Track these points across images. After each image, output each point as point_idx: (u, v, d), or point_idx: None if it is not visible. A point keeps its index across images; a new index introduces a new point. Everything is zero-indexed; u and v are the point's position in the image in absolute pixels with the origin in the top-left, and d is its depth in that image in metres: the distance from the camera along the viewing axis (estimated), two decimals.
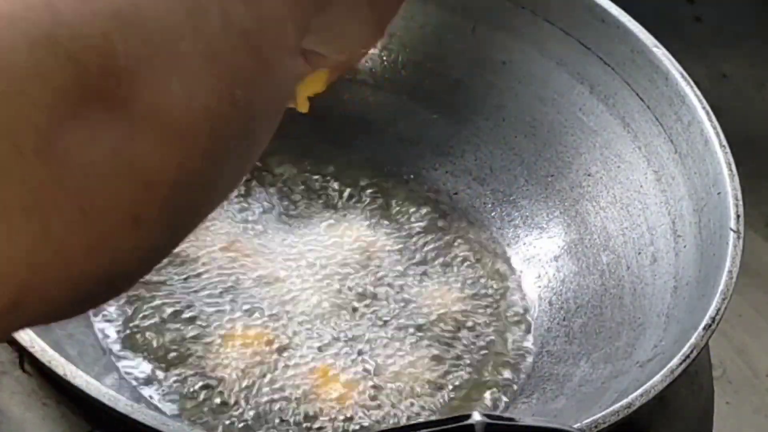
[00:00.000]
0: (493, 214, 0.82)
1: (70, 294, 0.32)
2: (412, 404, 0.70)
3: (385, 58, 0.84)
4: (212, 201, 0.37)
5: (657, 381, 0.60)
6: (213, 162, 0.35)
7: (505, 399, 0.72)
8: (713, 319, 0.63)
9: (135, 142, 0.32)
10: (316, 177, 0.81)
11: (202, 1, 0.34)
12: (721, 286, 0.65)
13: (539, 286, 0.78)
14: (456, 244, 0.79)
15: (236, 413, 0.67)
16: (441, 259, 0.78)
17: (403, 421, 0.69)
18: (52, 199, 0.30)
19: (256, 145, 0.38)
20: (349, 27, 0.48)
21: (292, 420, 0.67)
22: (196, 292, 0.72)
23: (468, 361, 0.73)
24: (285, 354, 0.70)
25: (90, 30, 0.31)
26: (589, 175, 0.79)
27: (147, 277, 0.72)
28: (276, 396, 0.68)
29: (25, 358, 0.62)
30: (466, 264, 0.78)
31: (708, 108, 0.73)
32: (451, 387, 0.71)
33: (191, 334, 0.70)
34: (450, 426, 0.47)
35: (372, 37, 0.53)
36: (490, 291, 0.77)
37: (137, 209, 0.32)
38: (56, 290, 0.31)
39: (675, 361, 0.61)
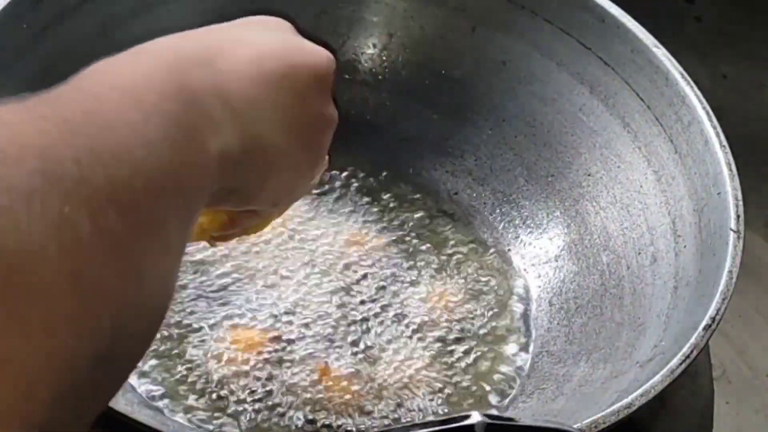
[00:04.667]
0: (493, 214, 0.82)
1: None
2: (412, 404, 0.70)
3: (385, 58, 0.84)
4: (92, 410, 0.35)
5: (657, 381, 0.60)
6: (64, 409, 0.33)
7: (505, 399, 0.72)
8: (713, 319, 0.63)
9: None
10: None
11: (69, 213, 0.32)
12: (721, 286, 0.64)
13: (539, 286, 0.78)
14: (456, 244, 0.79)
15: (236, 412, 0.67)
16: (441, 259, 0.78)
17: (403, 421, 0.69)
18: None
19: (128, 359, 0.36)
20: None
21: (291, 418, 0.67)
22: (196, 291, 0.72)
23: (468, 361, 0.73)
24: (285, 353, 0.70)
25: None
26: (589, 175, 0.79)
27: None
28: (276, 394, 0.68)
29: None
30: (466, 264, 0.78)
31: (708, 108, 0.73)
32: (451, 386, 0.71)
33: (191, 333, 0.70)
34: (450, 426, 0.47)
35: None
36: (490, 291, 0.77)
37: None
38: None
39: (675, 361, 0.61)
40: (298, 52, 0.50)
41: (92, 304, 0.33)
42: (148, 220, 0.36)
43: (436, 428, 0.47)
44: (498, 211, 0.82)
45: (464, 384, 0.72)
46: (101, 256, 0.33)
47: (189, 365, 0.68)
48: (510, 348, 0.75)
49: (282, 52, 0.49)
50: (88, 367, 0.33)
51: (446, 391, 0.71)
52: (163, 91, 0.39)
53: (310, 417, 0.68)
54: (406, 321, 0.74)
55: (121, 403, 0.55)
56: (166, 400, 0.67)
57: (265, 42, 0.49)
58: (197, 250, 0.74)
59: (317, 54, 0.51)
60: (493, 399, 0.72)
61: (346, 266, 0.75)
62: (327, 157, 0.57)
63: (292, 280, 0.74)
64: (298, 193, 0.55)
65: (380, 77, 0.84)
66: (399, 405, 0.69)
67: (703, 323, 0.63)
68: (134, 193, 0.35)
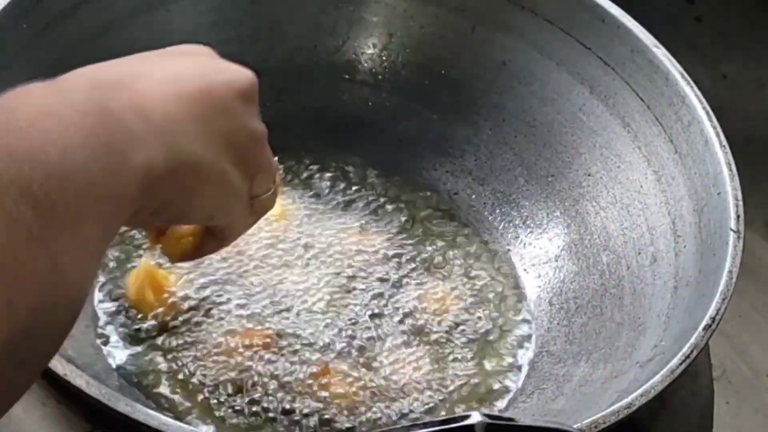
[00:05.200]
0: (493, 214, 0.82)
1: None
2: (412, 404, 0.70)
3: (385, 58, 0.84)
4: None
5: (657, 381, 0.60)
6: None
7: (505, 399, 0.72)
8: (713, 319, 0.63)
9: None
10: (315, 176, 0.81)
11: None
12: (721, 286, 0.65)
13: (539, 286, 0.78)
14: (456, 244, 0.79)
15: (234, 411, 0.67)
16: (441, 259, 0.78)
17: (403, 421, 0.69)
18: None
19: (40, 353, 0.39)
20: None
21: (291, 417, 0.67)
22: (195, 290, 0.72)
23: (468, 361, 0.73)
24: (285, 352, 0.70)
25: None
26: (589, 175, 0.79)
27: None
28: (275, 394, 0.68)
29: None
30: (465, 264, 0.78)
31: (708, 108, 0.73)
32: (450, 386, 0.71)
33: (191, 331, 0.70)
34: (450, 426, 0.47)
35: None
36: (489, 291, 0.77)
37: None
38: None
39: (675, 361, 0.61)
40: (217, 70, 0.53)
41: (7, 286, 0.36)
42: (64, 218, 0.39)
43: (436, 428, 0.47)
44: (498, 211, 0.82)
45: (464, 384, 0.72)
46: (14, 244, 0.36)
47: (187, 364, 0.68)
48: (510, 348, 0.75)
49: (200, 71, 0.52)
50: (2, 354, 0.36)
51: (446, 390, 0.71)
52: (81, 108, 0.42)
53: (309, 417, 0.68)
54: (405, 321, 0.74)
55: (121, 403, 0.55)
56: (163, 400, 0.67)
57: (183, 64, 0.52)
58: None
59: (237, 72, 0.53)
60: (493, 399, 0.72)
61: (346, 266, 0.75)
62: (276, 169, 0.59)
63: (291, 279, 0.74)
64: (237, 208, 0.56)
65: (380, 77, 0.84)
66: (399, 405, 0.69)
67: (703, 323, 0.63)
68: (50, 192, 0.38)
